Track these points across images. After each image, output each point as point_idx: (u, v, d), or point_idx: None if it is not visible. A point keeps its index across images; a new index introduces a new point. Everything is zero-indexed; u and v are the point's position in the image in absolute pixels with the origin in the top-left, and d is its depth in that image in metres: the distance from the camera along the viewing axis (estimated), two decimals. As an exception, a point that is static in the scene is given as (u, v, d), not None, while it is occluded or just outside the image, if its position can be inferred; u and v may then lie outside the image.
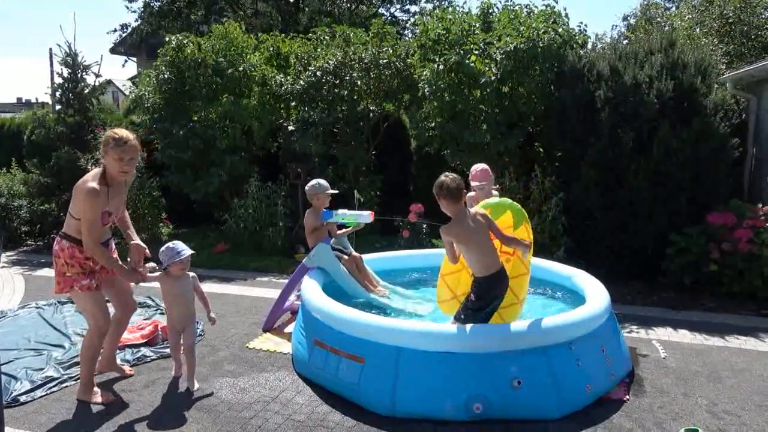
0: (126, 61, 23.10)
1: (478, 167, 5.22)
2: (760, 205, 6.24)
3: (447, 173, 3.81)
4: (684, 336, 5.00)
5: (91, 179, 3.56)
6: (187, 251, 3.93)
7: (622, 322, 5.12)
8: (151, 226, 8.86)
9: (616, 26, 31.94)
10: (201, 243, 8.95)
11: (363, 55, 8.49)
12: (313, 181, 5.28)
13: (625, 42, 10.84)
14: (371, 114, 9.13)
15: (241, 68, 8.98)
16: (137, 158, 3.70)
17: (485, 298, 3.81)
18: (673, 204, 6.39)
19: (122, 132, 3.61)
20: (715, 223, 6.05)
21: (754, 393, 3.87)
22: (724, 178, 6.53)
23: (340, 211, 5.17)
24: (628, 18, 20.23)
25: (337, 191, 5.43)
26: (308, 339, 4.18)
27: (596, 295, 4.28)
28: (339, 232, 5.42)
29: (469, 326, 3.71)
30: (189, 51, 8.92)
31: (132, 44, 21.99)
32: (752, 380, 4.08)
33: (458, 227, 3.75)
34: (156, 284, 4.05)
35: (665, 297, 6.15)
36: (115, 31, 21.58)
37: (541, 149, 7.92)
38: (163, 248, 3.95)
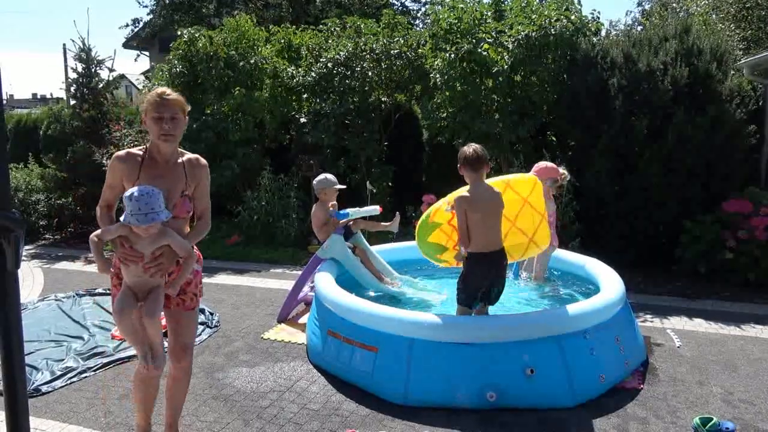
0: (138, 55, 23.28)
1: (539, 165, 5.02)
2: (778, 193, 6.17)
3: (471, 143, 3.85)
4: (699, 325, 4.97)
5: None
6: (163, 214, 2.67)
7: (637, 311, 5.10)
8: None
9: (631, 12, 31.51)
10: (214, 235, 9.04)
11: (374, 45, 8.47)
12: (321, 176, 5.29)
13: (639, 28, 10.71)
14: (383, 105, 9.12)
15: (252, 61, 9.00)
16: (182, 119, 2.84)
17: (468, 279, 3.79)
18: (686, 191, 6.34)
19: (162, 88, 2.88)
20: (730, 210, 5.99)
21: (770, 381, 3.84)
22: (739, 164, 6.46)
23: (350, 210, 5.20)
24: (643, 3, 19.95)
25: (344, 186, 5.41)
26: (322, 329, 4.22)
27: (611, 284, 4.27)
28: (341, 221, 5.35)
29: (480, 317, 3.73)
30: (201, 44, 8.96)
31: (144, 39, 22.13)
32: (768, 369, 4.05)
33: (471, 195, 3.75)
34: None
35: (680, 285, 6.10)
36: (127, 26, 21.74)
37: (553, 138, 7.87)
38: (134, 193, 2.64)
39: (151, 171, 2.82)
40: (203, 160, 2.98)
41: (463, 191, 3.82)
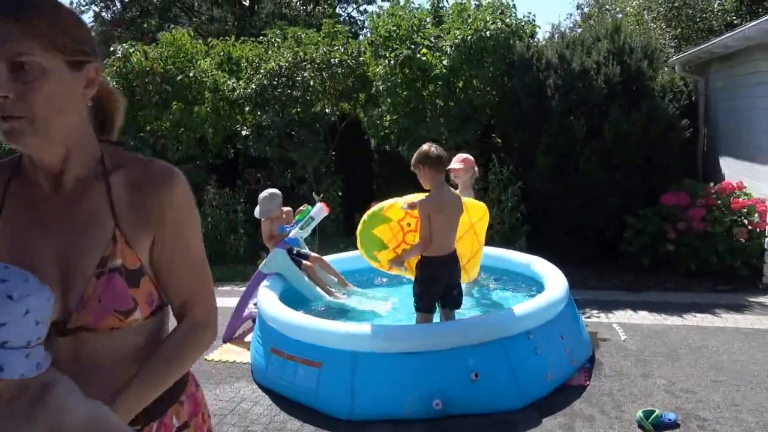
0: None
1: (460, 155, 5.00)
2: (712, 184, 6.36)
3: (430, 143, 3.72)
4: (644, 317, 5.05)
5: None
6: (14, 356, 0.95)
7: (583, 308, 5.14)
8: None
9: (571, 15, 32.40)
10: (161, 255, 8.73)
11: (314, 55, 8.39)
12: (266, 197, 5.11)
13: (579, 31, 10.98)
14: (327, 115, 9.03)
15: (191, 74, 8.79)
16: (48, 74, 1.06)
17: (427, 283, 3.73)
18: (627, 186, 6.47)
19: None
20: (669, 203, 6.14)
21: (710, 369, 3.91)
22: (676, 158, 6.64)
23: (298, 233, 5.05)
24: (582, 6, 20.54)
25: (287, 208, 5.26)
26: (265, 347, 4.08)
27: (554, 282, 4.28)
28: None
29: (422, 325, 3.68)
30: (135, 60, 8.70)
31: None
32: (708, 356, 4.12)
33: (438, 198, 3.63)
34: None
35: (626, 279, 6.21)
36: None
37: (498, 140, 7.95)
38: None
39: (24, 208, 1.20)
40: (167, 170, 1.27)
41: (426, 195, 3.69)
